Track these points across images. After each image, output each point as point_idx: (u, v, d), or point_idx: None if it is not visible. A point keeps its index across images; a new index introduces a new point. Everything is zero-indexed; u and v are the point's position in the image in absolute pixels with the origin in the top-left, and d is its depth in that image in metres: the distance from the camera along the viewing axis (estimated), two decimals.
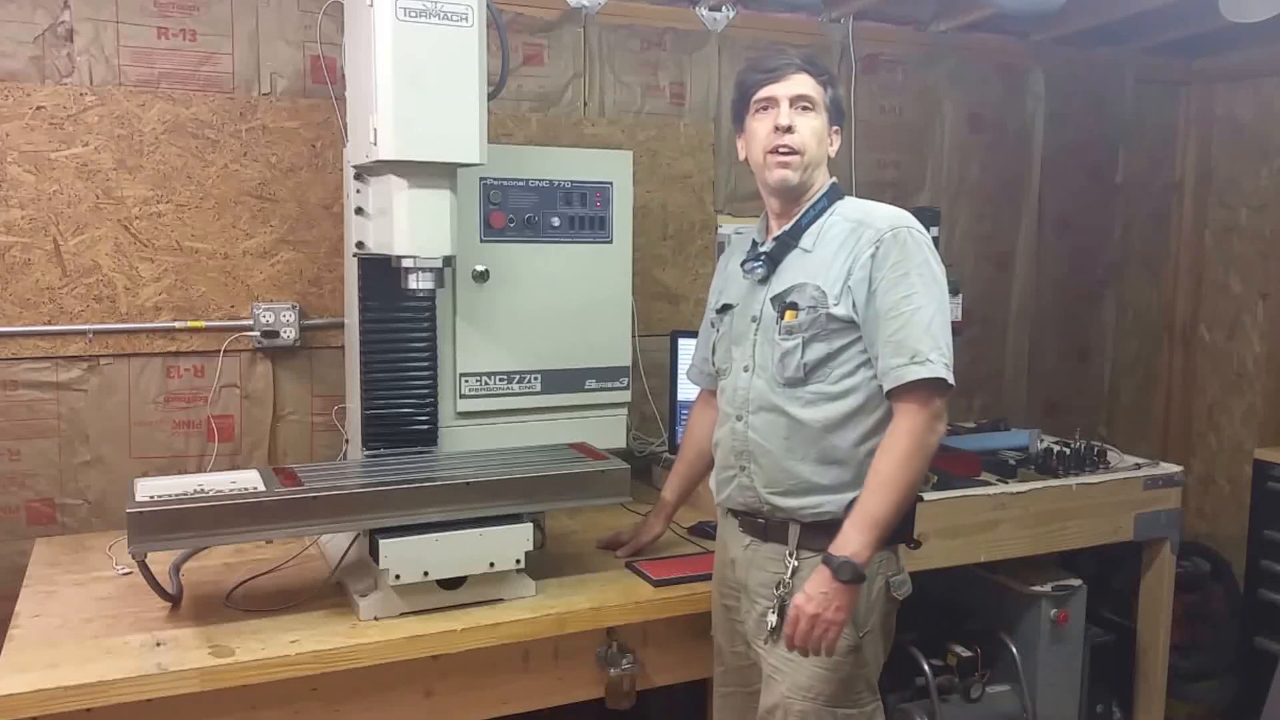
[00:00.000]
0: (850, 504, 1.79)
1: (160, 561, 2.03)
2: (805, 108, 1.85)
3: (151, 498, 1.89)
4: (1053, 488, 2.62)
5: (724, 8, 3.08)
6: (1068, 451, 2.81)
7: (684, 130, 3.09)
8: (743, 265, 1.93)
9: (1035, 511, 2.56)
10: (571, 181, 2.49)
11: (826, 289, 1.81)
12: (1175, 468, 2.82)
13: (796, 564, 1.84)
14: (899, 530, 1.83)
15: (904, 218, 1.83)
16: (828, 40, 3.25)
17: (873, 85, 3.34)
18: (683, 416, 2.83)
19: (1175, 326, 4.04)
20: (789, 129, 1.83)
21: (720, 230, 3.13)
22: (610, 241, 2.55)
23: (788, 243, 1.89)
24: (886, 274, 1.77)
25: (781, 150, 1.84)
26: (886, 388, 1.77)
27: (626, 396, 2.63)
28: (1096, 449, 2.85)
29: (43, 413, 2.48)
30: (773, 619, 1.84)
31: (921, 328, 1.74)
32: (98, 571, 2.23)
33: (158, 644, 1.86)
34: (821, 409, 1.82)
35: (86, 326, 2.48)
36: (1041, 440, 2.93)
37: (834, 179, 1.94)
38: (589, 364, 2.56)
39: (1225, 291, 3.91)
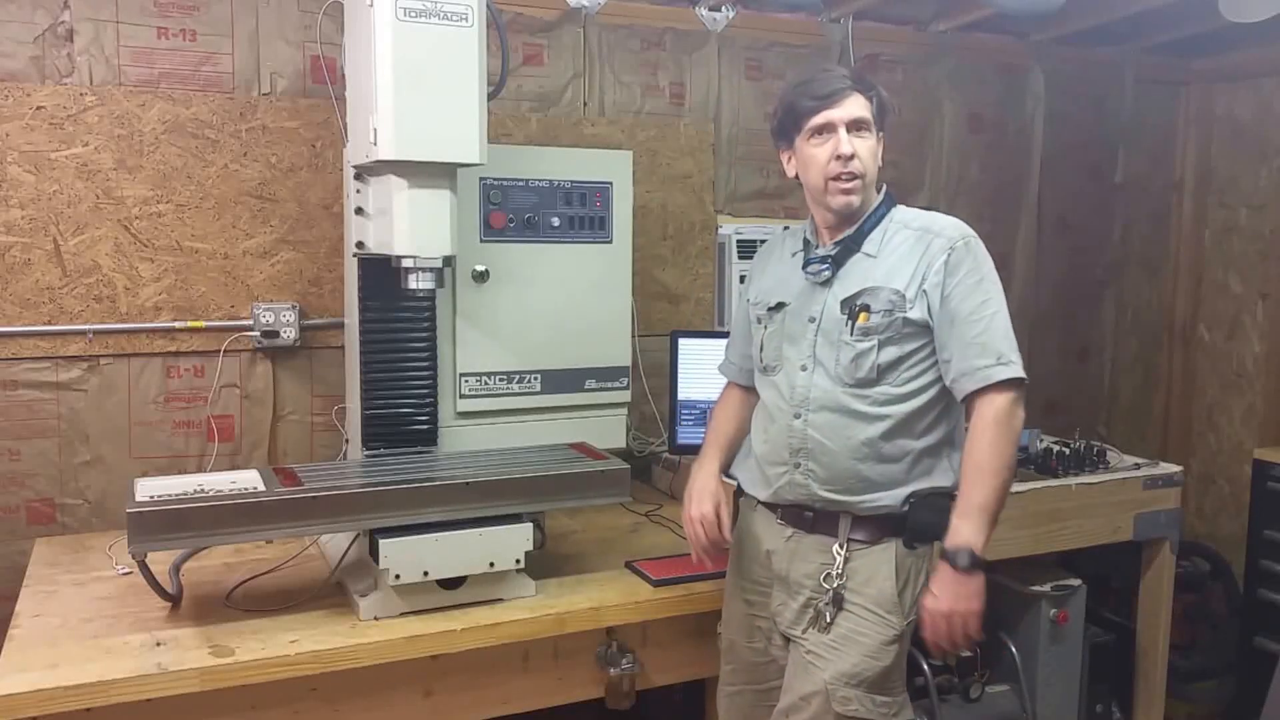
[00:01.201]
0: (907, 498, 1.86)
1: (160, 561, 2.03)
2: (861, 130, 1.87)
3: (151, 498, 1.89)
4: (1052, 488, 2.62)
5: (724, 8, 3.08)
6: (1067, 451, 2.81)
7: (684, 130, 3.09)
8: (805, 268, 1.95)
9: (1035, 511, 2.56)
10: (571, 181, 2.49)
11: (903, 293, 1.85)
12: (1175, 468, 2.82)
13: (846, 555, 1.88)
14: (935, 527, 1.87)
15: (966, 227, 1.90)
16: (828, 40, 3.24)
17: None
18: (683, 416, 2.84)
19: (1175, 326, 4.04)
20: (852, 156, 1.85)
21: (720, 230, 3.13)
22: (610, 241, 2.55)
23: (850, 247, 1.92)
24: (962, 280, 1.83)
25: (845, 178, 1.86)
26: (972, 388, 1.82)
27: (626, 396, 2.63)
28: (1096, 449, 2.84)
29: (43, 413, 2.48)
30: (828, 610, 1.87)
31: (1001, 333, 1.83)
32: (98, 571, 2.23)
33: (158, 644, 1.86)
34: (888, 409, 1.87)
35: (86, 326, 2.48)
36: (1041, 440, 2.93)
37: (884, 184, 1.97)
38: (589, 364, 2.56)
39: (1225, 291, 3.92)
